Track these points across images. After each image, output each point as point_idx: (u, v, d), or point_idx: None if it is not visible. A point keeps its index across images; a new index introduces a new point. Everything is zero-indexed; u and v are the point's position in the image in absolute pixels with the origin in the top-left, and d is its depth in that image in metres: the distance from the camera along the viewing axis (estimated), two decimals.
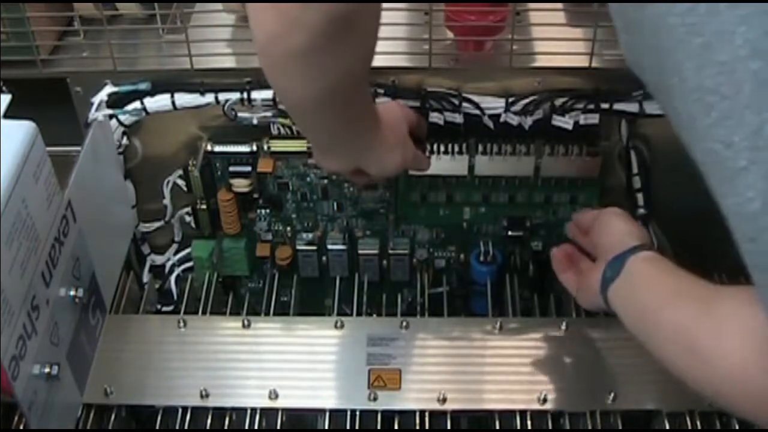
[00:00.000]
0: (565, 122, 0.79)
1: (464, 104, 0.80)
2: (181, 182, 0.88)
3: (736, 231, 0.46)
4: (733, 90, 0.43)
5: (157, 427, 0.78)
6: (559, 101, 0.80)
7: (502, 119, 0.80)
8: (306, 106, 0.62)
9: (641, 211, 0.86)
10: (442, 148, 0.82)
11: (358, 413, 0.76)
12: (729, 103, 0.43)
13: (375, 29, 0.59)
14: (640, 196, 0.86)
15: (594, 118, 0.79)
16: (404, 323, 0.82)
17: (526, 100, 0.80)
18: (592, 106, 0.79)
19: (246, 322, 0.83)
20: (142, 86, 0.81)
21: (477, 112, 0.80)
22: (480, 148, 0.82)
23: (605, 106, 0.79)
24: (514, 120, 0.80)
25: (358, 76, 0.62)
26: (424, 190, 0.87)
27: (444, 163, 0.82)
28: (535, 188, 0.86)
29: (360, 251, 0.93)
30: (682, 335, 0.57)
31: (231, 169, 0.86)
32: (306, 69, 0.56)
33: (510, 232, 0.90)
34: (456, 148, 0.82)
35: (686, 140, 0.48)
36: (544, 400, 0.76)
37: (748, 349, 0.50)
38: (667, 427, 0.76)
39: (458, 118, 0.81)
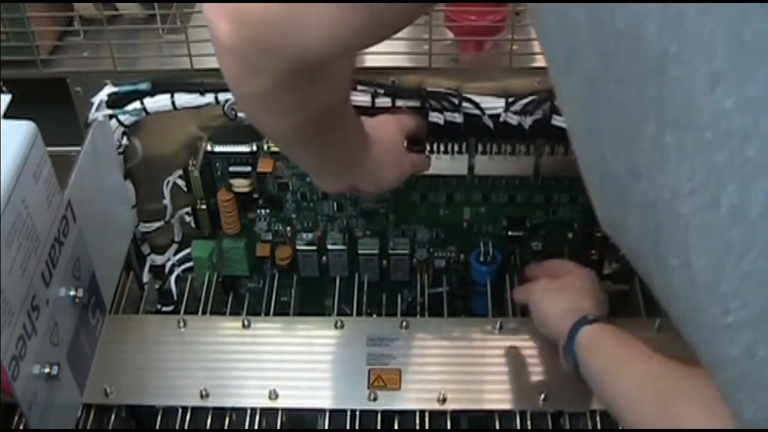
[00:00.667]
0: (564, 122, 0.79)
1: (464, 104, 0.80)
2: (181, 182, 0.88)
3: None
4: (761, 302, 0.36)
5: (157, 427, 0.78)
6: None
7: (501, 119, 0.80)
8: (283, 139, 0.62)
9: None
10: (441, 148, 0.82)
11: (358, 413, 0.76)
12: (755, 313, 0.36)
13: (348, 70, 0.58)
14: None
15: None
16: (404, 323, 0.82)
17: (526, 100, 0.80)
18: None
19: (246, 322, 0.83)
20: (142, 86, 0.81)
21: (477, 112, 0.80)
22: (480, 148, 0.82)
23: None
24: (513, 120, 0.80)
25: (332, 111, 0.60)
26: (424, 190, 0.87)
27: (444, 163, 0.82)
28: (535, 188, 0.86)
29: (360, 251, 0.93)
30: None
31: (231, 169, 0.86)
32: (274, 108, 0.55)
33: (510, 232, 0.90)
34: (456, 148, 0.82)
35: (678, 317, 0.42)
36: (544, 400, 0.76)
37: None
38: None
39: (458, 118, 0.80)
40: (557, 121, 0.79)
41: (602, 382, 0.65)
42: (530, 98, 0.80)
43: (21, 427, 0.73)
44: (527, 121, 0.80)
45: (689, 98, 0.34)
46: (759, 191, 0.34)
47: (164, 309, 0.94)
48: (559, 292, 0.76)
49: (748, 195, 0.34)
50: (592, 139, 0.42)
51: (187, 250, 0.94)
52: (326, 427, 0.76)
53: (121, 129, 0.84)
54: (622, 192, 0.41)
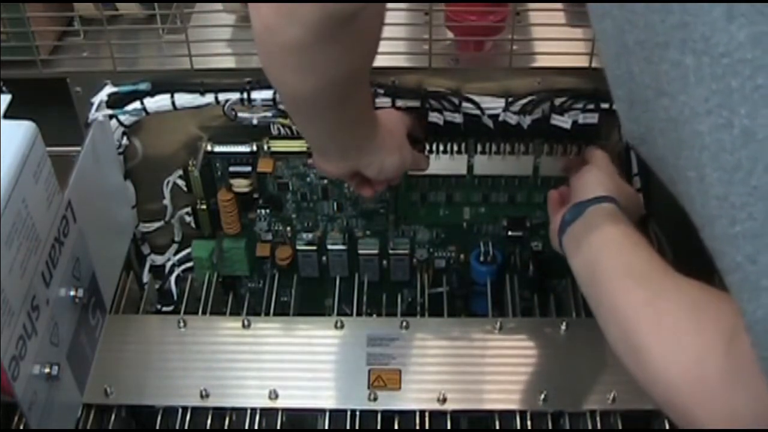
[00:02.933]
0: (563, 121, 0.79)
1: (464, 104, 0.80)
2: (181, 182, 0.88)
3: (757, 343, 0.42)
4: (764, 215, 0.39)
5: (157, 427, 0.78)
6: (558, 101, 0.80)
7: (501, 119, 0.80)
8: (302, 102, 0.61)
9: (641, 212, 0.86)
10: (441, 148, 0.82)
11: (358, 413, 0.76)
12: (758, 225, 0.39)
13: (377, 29, 0.58)
14: (639, 197, 0.86)
15: (593, 118, 0.79)
16: (404, 323, 0.82)
17: (525, 100, 0.80)
18: (591, 106, 0.79)
19: (246, 322, 0.83)
20: (142, 86, 0.81)
21: (477, 111, 0.80)
22: (479, 147, 0.82)
23: (605, 105, 0.79)
24: (512, 119, 0.80)
25: (356, 76, 0.61)
26: (424, 190, 0.87)
27: (444, 163, 0.82)
28: (534, 188, 0.86)
29: (360, 251, 0.93)
30: (620, 318, 0.56)
31: (231, 169, 0.86)
32: (301, 63, 0.56)
33: (510, 232, 0.90)
34: (455, 148, 0.82)
35: (697, 222, 0.45)
36: (544, 400, 0.76)
37: (690, 357, 0.48)
38: (667, 427, 0.76)
39: (458, 118, 0.80)
40: (556, 120, 0.79)
41: (599, 260, 0.63)
42: (529, 98, 0.80)
43: (21, 427, 0.73)
44: (526, 120, 0.80)
45: (709, 28, 0.38)
46: (766, 116, 0.37)
47: (164, 309, 0.94)
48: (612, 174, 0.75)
49: (756, 119, 0.38)
50: (622, 55, 0.45)
51: (187, 250, 0.94)
52: (326, 427, 0.76)
53: (121, 129, 0.84)
54: (648, 106, 0.45)
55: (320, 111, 0.63)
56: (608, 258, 0.61)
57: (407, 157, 0.76)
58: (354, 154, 0.70)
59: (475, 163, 0.83)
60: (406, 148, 0.76)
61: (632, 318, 0.54)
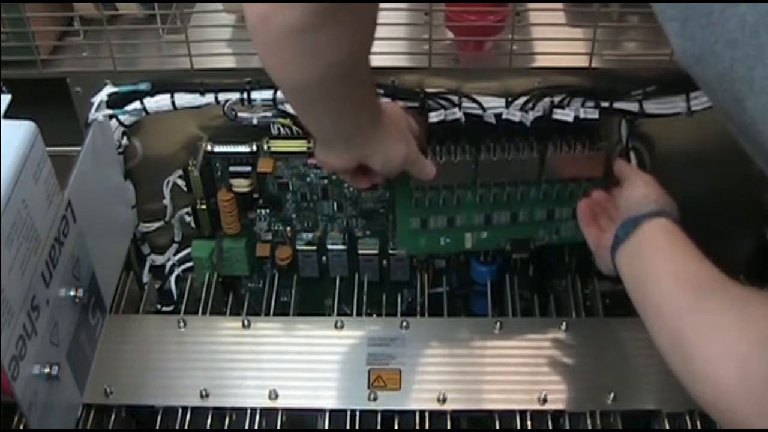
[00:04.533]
0: (565, 114, 0.79)
1: (465, 103, 0.79)
2: (181, 182, 0.88)
3: None
4: None
5: (157, 427, 0.78)
6: (558, 98, 0.79)
7: (503, 116, 0.80)
8: (303, 90, 0.60)
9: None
10: (443, 150, 0.81)
11: (358, 413, 0.76)
12: None
13: (373, 12, 0.57)
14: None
15: (594, 113, 0.79)
16: (404, 323, 0.82)
17: (525, 98, 0.79)
18: (591, 104, 0.79)
19: (246, 322, 0.83)
20: (142, 86, 0.81)
21: (478, 111, 0.80)
22: (482, 149, 0.81)
23: (605, 104, 0.79)
24: (515, 116, 0.79)
25: (356, 58, 0.59)
26: (424, 215, 0.85)
27: (446, 168, 0.81)
28: (537, 203, 0.85)
29: (360, 251, 0.93)
30: (666, 321, 0.56)
31: (231, 169, 0.86)
32: (300, 49, 0.55)
33: (515, 255, 0.89)
34: (458, 150, 0.81)
35: (748, 141, 0.46)
36: (544, 400, 0.76)
37: (738, 359, 0.48)
38: (667, 427, 0.76)
39: (458, 113, 0.79)
40: (558, 114, 0.79)
41: (649, 271, 0.63)
42: (527, 97, 0.79)
43: (21, 427, 0.73)
44: (529, 117, 0.79)
45: None
46: None
47: (164, 309, 0.94)
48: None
49: None
50: None
51: (187, 250, 0.94)
52: (326, 427, 0.76)
53: (121, 129, 0.84)
54: (711, 18, 0.44)
55: (322, 98, 0.61)
56: (658, 265, 0.61)
57: (412, 148, 0.74)
58: (358, 142, 0.69)
59: (479, 165, 0.82)
60: (411, 139, 0.75)
61: (679, 320, 0.55)
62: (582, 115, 0.79)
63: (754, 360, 0.47)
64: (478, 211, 0.85)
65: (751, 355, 0.47)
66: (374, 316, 0.92)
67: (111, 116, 0.81)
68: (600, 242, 0.73)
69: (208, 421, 0.77)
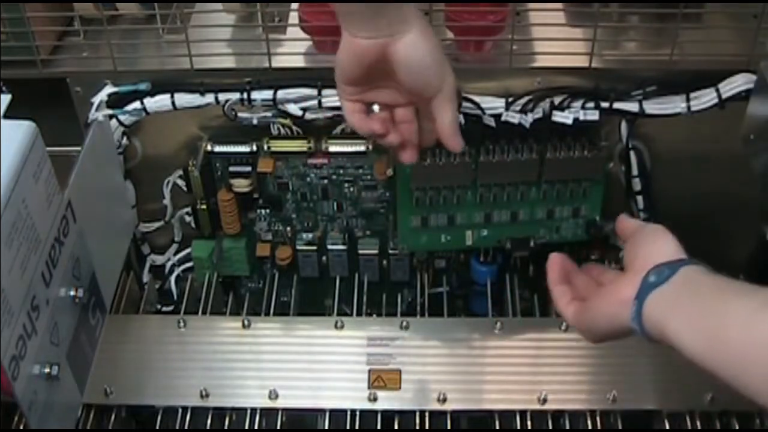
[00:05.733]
0: (564, 117, 0.79)
1: (464, 104, 0.80)
2: (181, 182, 0.88)
3: None
4: None
5: (157, 427, 0.78)
6: (558, 99, 0.79)
7: (503, 118, 0.80)
8: None
9: (642, 214, 0.86)
10: (443, 151, 0.81)
11: (358, 413, 0.76)
12: None
13: None
14: (640, 199, 0.86)
15: (594, 114, 0.79)
16: (404, 323, 0.82)
17: (525, 99, 0.79)
18: (591, 104, 0.79)
19: (246, 322, 0.83)
20: (142, 86, 0.81)
21: (477, 112, 0.80)
22: (482, 151, 0.81)
23: (605, 104, 0.79)
24: (514, 118, 0.79)
25: None
26: (424, 213, 0.85)
27: (446, 169, 0.81)
28: (537, 203, 0.85)
29: (360, 251, 0.93)
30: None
31: (231, 169, 0.86)
32: None
33: (515, 254, 0.89)
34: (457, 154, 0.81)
35: None
36: (544, 400, 0.76)
37: None
38: (667, 427, 0.76)
39: (459, 119, 0.80)
40: (557, 116, 0.79)
41: (720, 305, 0.54)
42: (528, 98, 0.79)
43: (21, 427, 0.73)
44: (528, 119, 0.79)
45: None
46: None
47: (164, 309, 0.94)
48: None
49: None
50: None
51: (187, 250, 0.94)
52: (326, 427, 0.76)
53: (121, 129, 0.83)
54: None
55: None
56: (732, 300, 0.53)
57: (449, 70, 0.65)
58: (388, 15, 0.61)
59: (479, 166, 0.82)
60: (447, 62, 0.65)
61: None
62: (582, 117, 0.79)
63: None
64: (479, 210, 0.85)
65: None
66: (374, 316, 0.92)
67: (111, 116, 0.81)
68: (586, 311, 0.63)
69: (208, 421, 0.77)
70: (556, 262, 0.67)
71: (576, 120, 0.78)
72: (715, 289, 0.55)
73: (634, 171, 0.84)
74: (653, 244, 0.60)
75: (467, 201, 0.84)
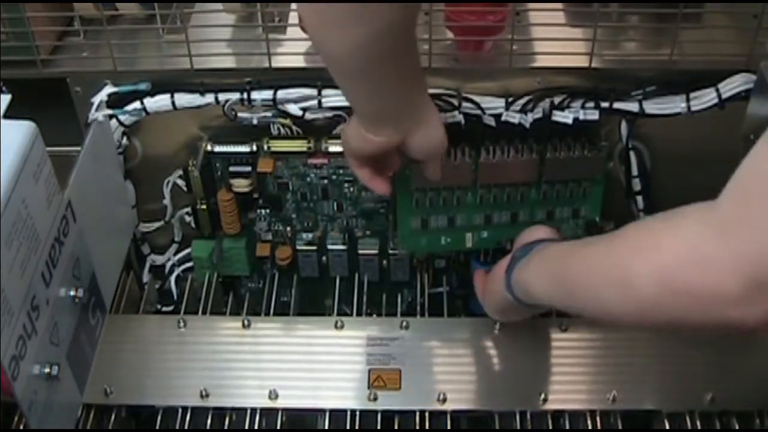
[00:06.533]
0: (564, 117, 0.79)
1: (464, 104, 0.80)
2: (181, 182, 0.88)
3: None
4: None
5: (157, 427, 0.78)
6: (557, 99, 0.79)
7: (503, 118, 0.80)
8: (347, 59, 0.58)
9: (642, 214, 0.86)
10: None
11: (358, 413, 0.76)
12: None
13: None
14: (640, 199, 0.86)
15: (594, 114, 0.79)
16: (404, 323, 0.82)
17: (524, 99, 0.79)
18: (591, 104, 0.79)
19: (246, 322, 0.83)
20: (142, 86, 0.81)
21: (477, 112, 0.80)
22: (482, 151, 0.81)
23: (605, 104, 0.79)
24: (514, 118, 0.79)
25: (401, 27, 0.58)
26: (424, 215, 0.85)
27: (446, 170, 0.80)
28: (537, 204, 0.85)
29: (360, 251, 0.93)
30: (599, 263, 0.57)
31: (231, 169, 0.86)
32: (348, 13, 0.54)
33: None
34: (458, 152, 0.81)
35: None
36: (544, 400, 0.76)
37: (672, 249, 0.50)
38: (667, 427, 0.76)
39: (458, 116, 0.80)
40: (557, 116, 0.79)
41: (562, 259, 0.65)
42: (528, 97, 0.79)
43: (21, 427, 0.73)
44: (528, 119, 0.79)
45: None
46: None
47: (164, 309, 0.94)
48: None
49: None
50: None
51: (187, 250, 0.94)
52: (326, 427, 0.76)
53: (121, 129, 0.84)
54: None
55: (366, 68, 0.59)
56: (576, 250, 0.63)
57: (445, 136, 0.72)
58: (408, 117, 0.67)
59: (479, 167, 0.82)
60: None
61: (607, 255, 0.57)
62: (582, 117, 0.79)
63: (699, 231, 0.50)
64: (479, 212, 0.85)
65: (697, 231, 0.50)
66: (374, 316, 0.92)
67: (111, 116, 0.81)
68: (484, 290, 0.79)
69: (208, 421, 0.77)
70: (480, 275, 0.81)
71: (576, 120, 0.78)
72: (563, 249, 0.66)
73: (634, 171, 0.84)
74: (526, 234, 0.76)
75: (467, 203, 0.84)
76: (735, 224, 0.48)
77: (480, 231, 0.87)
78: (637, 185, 0.85)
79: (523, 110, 0.79)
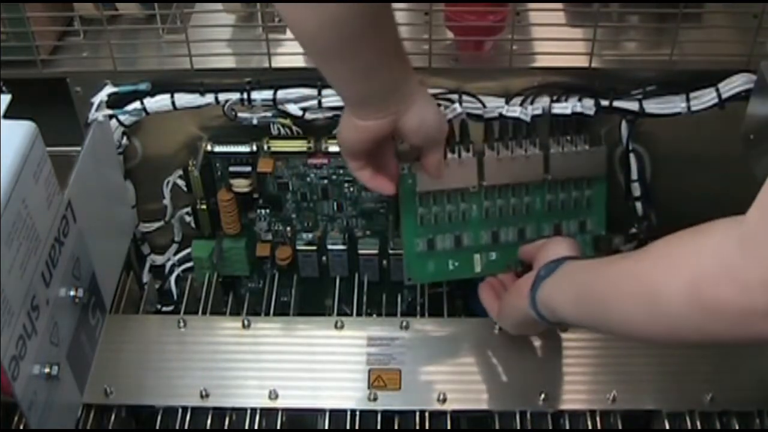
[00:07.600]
0: (563, 107, 0.79)
1: (465, 97, 0.79)
2: (181, 182, 0.88)
3: None
4: None
5: (157, 427, 0.78)
6: (556, 96, 0.79)
7: (503, 113, 0.80)
8: (325, 35, 0.58)
9: (641, 215, 0.86)
10: (445, 151, 0.80)
11: (358, 413, 0.76)
12: None
13: None
14: (639, 205, 0.86)
15: (590, 110, 0.79)
16: (404, 323, 0.82)
17: (522, 97, 0.79)
18: (590, 102, 0.79)
19: (246, 322, 0.83)
20: (142, 86, 0.81)
21: (478, 106, 0.80)
22: (486, 149, 0.81)
23: (605, 103, 0.79)
24: (515, 112, 0.79)
25: (370, 6, 0.58)
26: (430, 234, 0.84)
27: (450, 168, 0.80)
28: (542, 217, 0.84)
29: (360, 251, 0.93)
30: (626, 282, 0.57)
31: (231, 169, 0.86)
32: None
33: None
34: (461, 150, 0.80)
35: None
36: (544, 400, 0.76)
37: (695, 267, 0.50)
38: (667, 427, 0.76)
39: (458, 109, 0.79)
40: (557, 109, 0.79)
41: (589, 278, 0.65)
42: (526, 95, 0.79)
43: (21, 427, 0.73)
44: (528, 112, 0.79)
45: None
46: None
47: (164, 309, 0.94)
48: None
49: None
50: None
51: (187, 250, 0.94)
52: (326, 427, 0.76)
53: (121, 129, 0.84)
54: None
55: (345, 47, 0.59)
56: (600, 268, 0.63)
57: (445, 122, 0.72)
58: (395, 98, 0.66)
59: (483, 165, 0.81)
60: (444, 118, 0.73)
61: (634, 276, 0.56)
62: (580, 110, 0.79)
63: (724, 250, 0.49)
64: (485, 228, 0.84)
65: (720, 251, 0.50)
66: (374, 316, 0.92)
67: (111, 116, 0.81)
68: (502, 305, 0.78)
69: (208, 421, 0.77)
70: (485, 289, 0.81)
71: (575, 112, 0.78)
72: (589, 267, 0.65)
73: (634, 174, 0.84)
74: (549, 250, 0.74)
75: (473, 217, 0.83)
76: (763, 237, 0.47)
77: (488, 252, 0.86)
78: (636, 190, 0.85)
79: (523, 104, 0.79)
